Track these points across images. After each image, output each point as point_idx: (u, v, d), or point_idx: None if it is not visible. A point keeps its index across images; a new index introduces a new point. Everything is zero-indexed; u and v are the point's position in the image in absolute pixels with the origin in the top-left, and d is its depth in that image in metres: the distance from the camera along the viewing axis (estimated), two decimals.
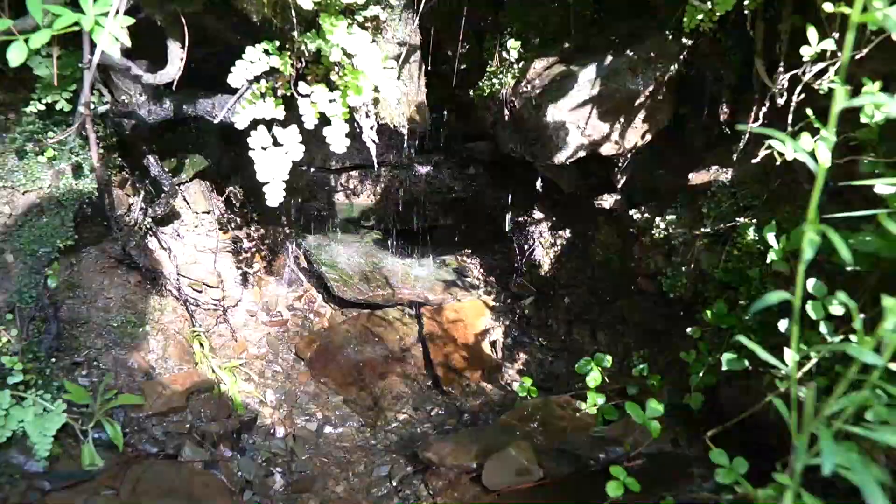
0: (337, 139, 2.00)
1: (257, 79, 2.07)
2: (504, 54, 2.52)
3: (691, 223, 2.50)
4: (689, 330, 2.31)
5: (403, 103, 2.51)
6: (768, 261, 1.97)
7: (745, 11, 2.16)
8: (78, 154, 2.43)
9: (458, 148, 3.49)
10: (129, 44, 1.75)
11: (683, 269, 2.47)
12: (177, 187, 2.73)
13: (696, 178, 2.51)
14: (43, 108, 2.31)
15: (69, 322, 2.47)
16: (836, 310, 1.67)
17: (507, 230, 3.50)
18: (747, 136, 2.33)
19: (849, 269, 1.81)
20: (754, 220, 2.32)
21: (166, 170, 2.75)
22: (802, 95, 2.05)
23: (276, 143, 2.05)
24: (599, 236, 3.03)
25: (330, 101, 2.03)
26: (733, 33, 2.28)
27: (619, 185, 2.85)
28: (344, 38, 1.87)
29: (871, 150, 1.92)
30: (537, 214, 3.33)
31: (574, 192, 3.07)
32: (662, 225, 2.57)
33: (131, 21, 1.76)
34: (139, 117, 2.42)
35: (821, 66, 1.98)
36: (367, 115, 2.15)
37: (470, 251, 3.87)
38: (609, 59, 2.35)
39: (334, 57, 1.89)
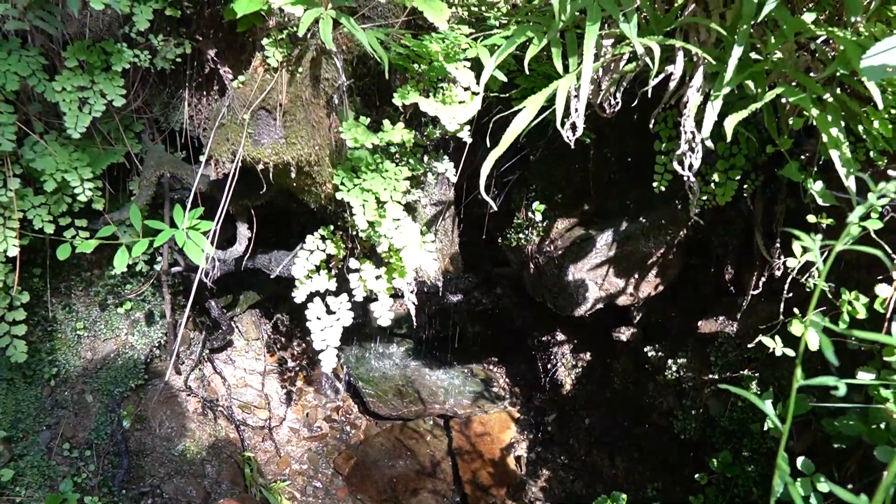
0: (383, 313, 2.29)
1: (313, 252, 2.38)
2: (529, 214, 2.80)
3: (700, 368, 2.73)
4: (696, 476, 2.52)
5: (439, 258, 2.80)
6: (765, 427, 2.19)
7: (745, 193, 2.44)
8: (150, 302, 2.75)
9: (486, 268, 3.77)
10: (210, 251, 2.07)
11: (693, 412, 2.69)
12: (232, 326, 3.03)
13: (704, 326, 2.75)
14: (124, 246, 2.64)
15: (137, 453, 2.75)
16: (823, 486, 1.89)
17: (531, 348, 3.75)
18: (750, 295, 2.57)
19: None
20: (757, 374, 2.55)
21: (223, 307, 3.06)
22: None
23: (329, 312, 2.34)
24: (617, 365, 3.26)
25: (376, 277, 2.32)
26: (736, 206, 2.55)
27: (636, 321, 3.09)
28: (391, 230, 2.17)
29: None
30: (560, 336, 3.57)
31: (594, 322, 3.32)
32: (674, 367, 2.80)
33: (210, 224, 2.09)
34: (206, 273, 2.74)
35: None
36: (409, 285, 2.43)
37: (496, 360, 4.11)
38: (624, 224, 2.63)
39: (382, 248, 2.19)
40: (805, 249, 2.04)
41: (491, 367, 4.09)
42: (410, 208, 2.41)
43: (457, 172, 2.43)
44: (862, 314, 1.93)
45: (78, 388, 2.61)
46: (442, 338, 4.07)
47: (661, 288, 2.79)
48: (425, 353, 4.05)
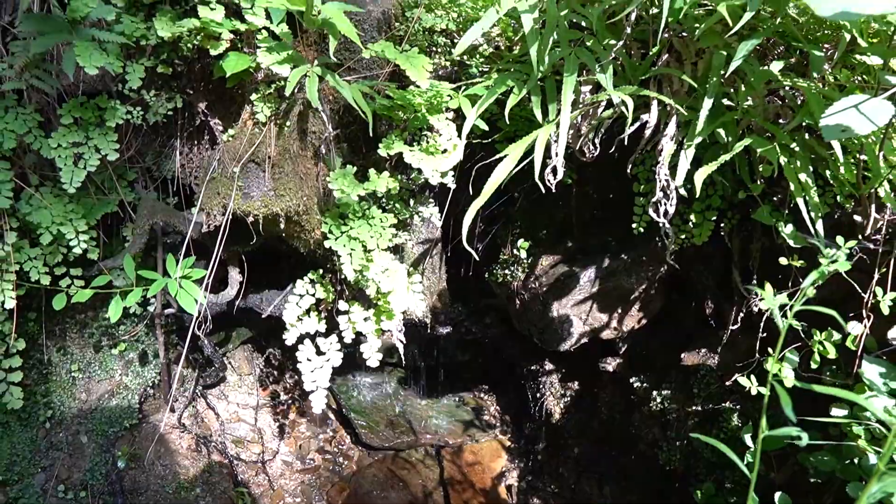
0: (372, 354, 2.35)
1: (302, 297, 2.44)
2: (514, 251, 2.87)
3: (684, 400, 2.80)
4: None
5: (427, 296, 2.87)
6: (745, 462, 2.25)
7: (722, 231, 2.51)
8: (144, 343, 2.80)
9: (474, 299, 3.83)
10: (203, 301, 2.12)
11: (677, 443, 2.75)
12: (225, 363, 3.08)
13: (687, 358, 2.82)
14: (118, 295, 2.69)
15: (132, 492, 2.78)
16: None
17: (520, 377, 3.80)
18: (730, 330, 2.64)
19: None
20: (738, 406, 2.62)
21: (216, 343, 3.11)
22: None
23: (318, 353, 2.40)
24: (604, 395, 3.32)
25: (365, 319, 2.38)
26: (715, 242, 2.62)
27: (621, 351, 3.16)
28: (378, 275, 2.23)
29: (832, 367, 2.23)
30: (548, 366, 3.63)
31: (581, 352, 3.38)
32: (659, 398, 2.86)
33: (203, 273, 2.15)
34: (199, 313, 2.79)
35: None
36: (397, 325, 2.49)
37: (487, 388, 4.16)
38: (606, 261, 2.70)
39: (370, 292, 2.25)
40: (778, 292, 2.11)
41: (482, 395, 4.14)
42: (398, 249, 2.47)
43: (442, 215, 2.50)
44: (832, 354, 2.00)
45: (73, 430, 2.65)
46: (433, 366, 4.12)
47: (644, 321, 2.85)
48: (416, 381, 4.10)
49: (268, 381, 3.53)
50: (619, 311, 2.78)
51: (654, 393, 2.88)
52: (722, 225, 2.48)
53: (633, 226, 2.42)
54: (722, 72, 2.01)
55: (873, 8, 1.26)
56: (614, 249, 2.70)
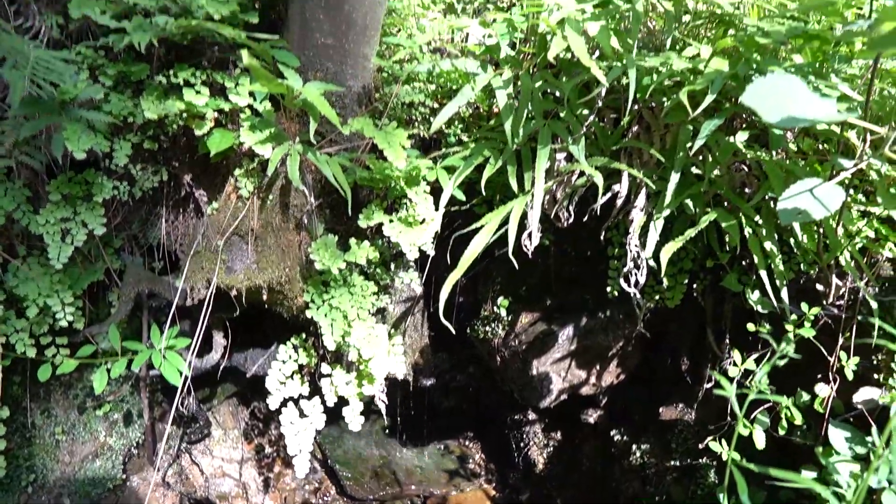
0: (354, 418, 2.38)
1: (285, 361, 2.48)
2: (495, 308, 2.93)
3: (662, 454, 2.85)
4: None
5: (410, 353, 2.91)
6: None
7: (695, 292, 2.59)
8: (128, 402, 2.82)
9: (457, 350, 3.87)
10: (188, 374, 2.16)
11: (657, 498, 2.79)
12: (210, 419, 3.10)
13: (665, 412, 2.87)
14: (103, 366, 2.72)
15: None
16: None
17: (505, 425, 3.83)
18: (706, 385, 2.70)
19: None
20: (715, 462, 2.67)
21: (200, 399, 3.13)
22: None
23: (302, 415, 2.43)
24: (586, 446, 3.36)
25: (347, 382, 2.42)
26: (688, 302, 2.69)
27: (602, 404, 3.21)
28: (359, 340, 2.28)
29: (802, 428, 2.29)
30: (531, 416, 3.67)
31: (563, 403, 3.43)
32: (638, 453, 2.91)
33: (188, 342, 2.19)
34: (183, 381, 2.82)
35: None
36: (379, 388, 2.53)
37: (472, 435, 4.18)
38: (584, 319, 2.76)
39: (352, 357, 2.30)
40: (749, 356, 2.18)
41: (466, 442, 4.16)
42: (379, 311, 2.52)
43: (423, 276, 2.56)
44: (798, 420, 2.06)
45: (55, 493, 2.66)
46: (417, 414, 4.14)
47: (622, 377, 2.91)
48: (401, 430, 4.11)
49: (253, 434, 3.55)
50: (598, 367, 2.84)
51: (634, 447, 2.93)
52: (694, 286, 2.56)
53: (608, 289, 2.49)
54: (689, 145, 2.11)
55: (817, 115, 1.34)
56: (592, 308, 2.77)
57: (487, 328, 2.97)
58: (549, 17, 2.01)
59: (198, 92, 1.99)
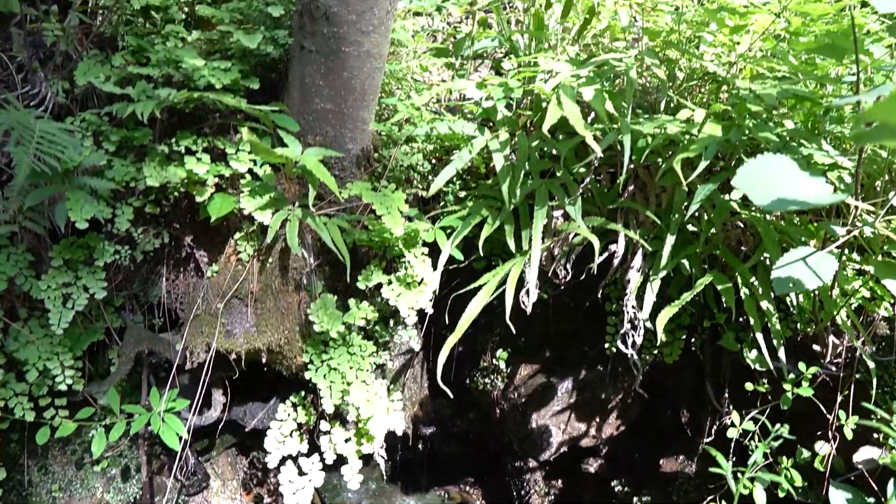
0: (352, 477, 2.38)
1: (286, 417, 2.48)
2: (493, 360, 2.94)
3: None
4: None
5: (409, 406, 2.91)
6: None
7: (693, 346, 2.59)
8: (126, 457, 2.81)
9: (457, 396, 3.86)
10: (186, 437, 2.16)
11: None
12: (208, 472, 3.09)
13: (665, 464, 2.86)
14: (102, 429, 2.71)
15: None
16: None
17: (506, 472, 3.81)
18: (706, 439, 2.70)
19: None
20: None
21: (199, 451, 3.12)
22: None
23: (300, 473, 2.43)
24: (587, 496, 3.33)
25: (346, 440, 2.42)
26: (687, 355, 2.70)
27: (602, 453, 3.19)
28: (358, 400, 2.28)
29: (803, 491, 2.28)
30: (531, 463, 3.64)
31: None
32: None
33: (187, 403, 2.19)
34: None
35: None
36: (378, 445, 2.52)
37: (472, 480, 4.15)
38: (583, 372, 2.77)
39: (350, 417, 2.30)
40: (744, 417, 2.19)
41: (468, 488, 4.13)
42: (378, 366, 2.52)
43: (422, 333, 2.57)
44: (798, 482, 2.06)
45: None
46: (418, 459, 4.12)
47: (622, 428, 2.91)
48: (401, 476, 4.09)
49: (251, 484, 3.52)
50: (598, 419, 2.83)
51: (635, 499, 2.91)
52: (693, 340, 2.57)
53: (606, 346, 2.50)
54: (685, 204, 2.13)
55: (808, 197, 1.37)
56: (591, 360, 2.77)
57: (486, 380, 2.98)
58: (545, 84, 2.05)
59: (199, 159, 2.02)
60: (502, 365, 2.91)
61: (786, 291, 1.72)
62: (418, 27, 3.17)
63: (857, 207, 1.79)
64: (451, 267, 2.40)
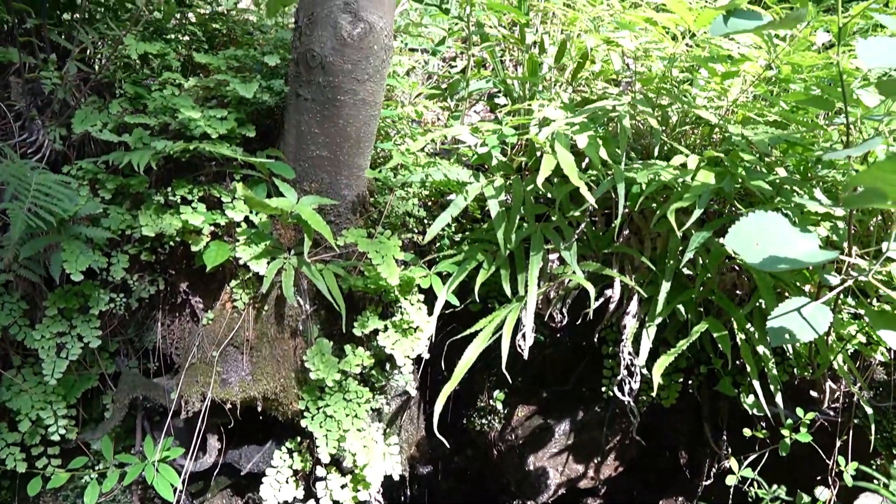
0: None
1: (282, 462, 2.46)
2: (491, 401, 2.92)
3: None
4: None
5: (406, 447, 2.89)
6: None
7: (691, 388, 2.58)
8: (119, 502, 2.78)
9: (455, 435, 3.84)
10: (181, 487, 2.15)
11: None
12: None
13: None
14: (95, 478, 2.68)
15: None
16: None
17: None
18: (704, 482, 2.68)
19: None
20: None
21: (192, 492, 3.09)
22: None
23: None
24: None
25: (342, 486, 2.40)
26: (685, 397, 2.69)
27: (601, 493, 3.16)
28: (354, 446, 2.27)
29: None
30: (530, 502, 3.61)
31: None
32: None
33: (181, 451, 2.18)
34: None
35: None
36: (375, 491, 2.50)
37: None
38: (581, 414, 2.75)
39: (347, 463, 2.28)
40: (741, 465, 2.17)
41: None
42: (374, 410, 2.51)
43: (418, 377, 2.56)
44: None
45: None
46: (415, 497, 4.08)
47: (620, 469, 2.88)
48: None
49: None
50: (596, 461, 2.81)
51: None
52: (690, 381, 2.56)
53: (603, 389, 2.49)
54: (679, 249, 2.14)
55: (799, 255, 1.37)
56: (588, 401, 2.76)
57: (483, 420, 2.96)
58: (539, 132, 2.07)
59: (195, 209, 2.02)
60: (499, 406, 2.90)
61: (781, 343, 1.72)
62: (413, 62, 3.20)
63: (849, 256, 1.80)
64: (447, 311, 2.40)
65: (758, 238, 1.38)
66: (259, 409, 2.22)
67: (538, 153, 2.17)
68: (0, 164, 1.85)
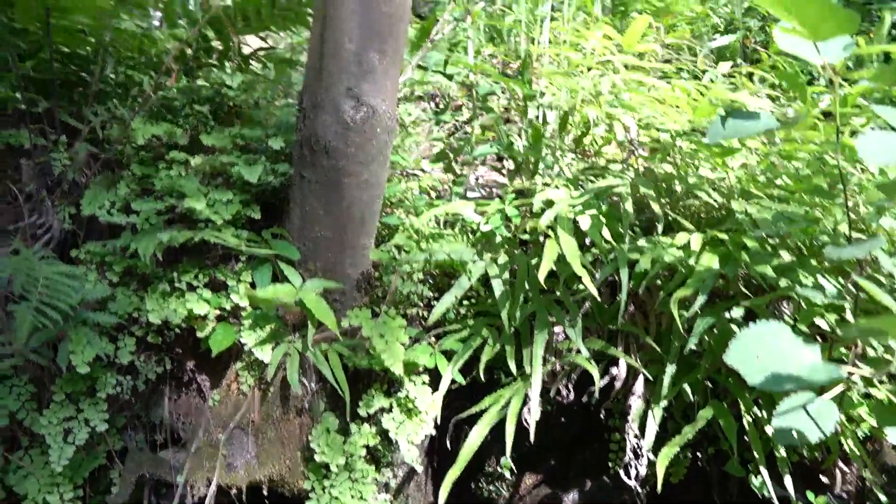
0: None
1: None
2: (498, 468, 2.90)
3: None
4: None
5: None
6: None
7: (700, 462, 2.55)
8: None
9: (466, 496, 3.81)
10: None
11: None
12: None
13: None
14: None
15: None
16: None
17: None
18: None
19: None
20: None
21: None
22: None
23: None
24: None
25: None
26: (694, 469, 2.65)
27: None
28: None
29: None
30: None
31: None
32: None
33: None
34: None
35: None
36: None
37: None
38: (588, 484, 2.73)
39: None
40: None
41: None
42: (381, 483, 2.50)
43: (423, 451, 2.55)
44: None
45: None
46: None
47: None
48: None
49: None
50: None
51: None
52: (699, 454, 2.53)
53: (610, 464, 2.47)
54: (684, 328, 2.13)
55: (801, 372, 1.36)
56: (596, 471, 2.73)
57: (491, 487, 2.93)
58: (541, 217, 2.08)
59: (200, 296, 2.04)
60: (507, 474, 2.88)
61: (787, 443, 1.70)
62: (420, 111, 3.23)
63: (854, 346, 1.79)
64: (452, 387, 2.40)
65: (759, 351, 1.38)
66: (265, 492, 2.21)
67: (541, 237, 2.18)
68: (8, 258, 1.88)
